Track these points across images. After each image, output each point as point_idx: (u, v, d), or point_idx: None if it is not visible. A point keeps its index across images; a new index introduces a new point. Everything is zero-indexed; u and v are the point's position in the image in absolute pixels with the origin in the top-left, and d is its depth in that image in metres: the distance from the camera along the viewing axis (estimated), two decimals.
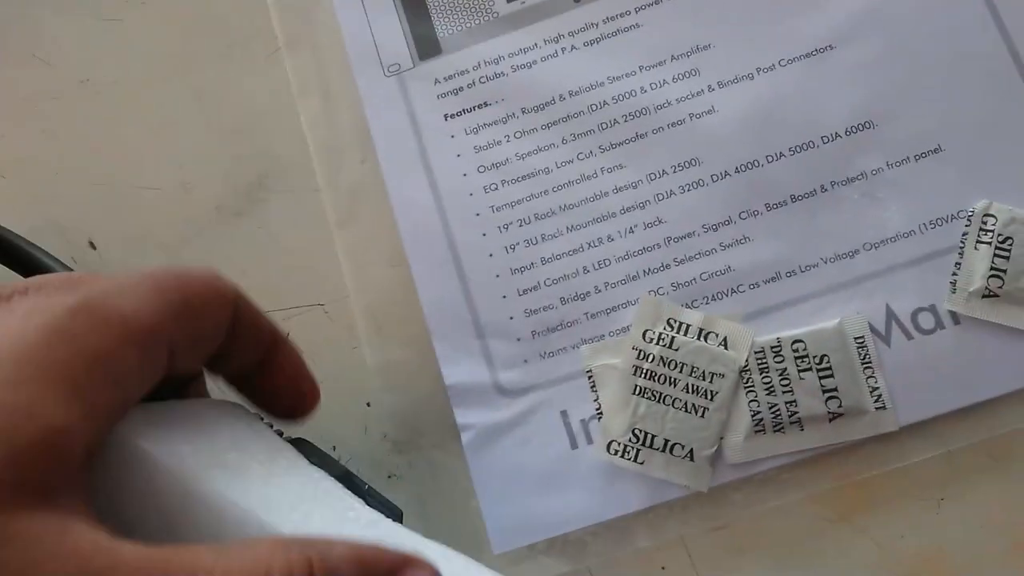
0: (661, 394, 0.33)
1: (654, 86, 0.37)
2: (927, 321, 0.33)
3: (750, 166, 0.35)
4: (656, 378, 0.33)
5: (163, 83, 0.40)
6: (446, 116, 0.37)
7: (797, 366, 0.33)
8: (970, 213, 0.34)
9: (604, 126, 0.37)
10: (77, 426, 0.20)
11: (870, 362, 0.33)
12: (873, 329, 0.33)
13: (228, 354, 0.26)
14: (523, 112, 0.37)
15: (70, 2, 0.41)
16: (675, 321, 0.34)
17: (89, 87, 0.40)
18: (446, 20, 0.38)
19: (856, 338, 0.33)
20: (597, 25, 0.38)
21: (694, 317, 0.34)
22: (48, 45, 0.41)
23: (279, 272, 0.38)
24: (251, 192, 0.38)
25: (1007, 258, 0.33)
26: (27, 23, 0.41)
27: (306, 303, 0.37)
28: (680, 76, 0.37)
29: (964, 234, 0.34)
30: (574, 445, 0.34)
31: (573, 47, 0.38)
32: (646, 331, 0.34)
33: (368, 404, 0.36)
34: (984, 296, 0.33)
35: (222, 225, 0.38)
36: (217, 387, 0.29)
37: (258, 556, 0.19)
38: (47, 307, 0.21)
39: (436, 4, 0.39)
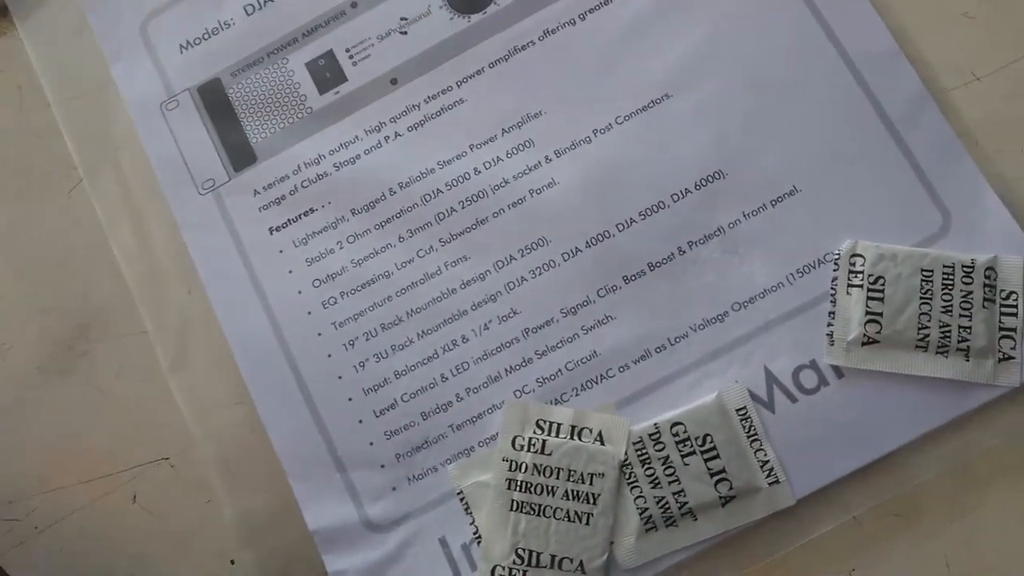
0: (540, 506, 0.30)
1: (488, 165, 0.34)
2: (809, 379, 0.31)
3: (601, 238, 0.33)
4: (532, 489, 0.31)
5: None
6: (271, 229, 0.34)
7: (680, 451, 0.30)
8: (836, 255, 0.32)
9: (441, 216, 0.34)
10: None
11: (756, 434, 0.31)
12: (754, 397, 0.31)
13: None
14: (353, 213, 0.34)
15: None
16: (544, 422, 0.31)
17: None
18: (257, 123, 0.35)
19: (738, 410, 0.31)
20: (419, 106, 0.35)
21: (564, 414, 0.31)
22: None
23: (116, 429, 0.34)
24: (73, 345, 0.35)
25: (881, 299, 0.31)
26: None
27: (149, 459, 0.34)
28: (514, 150, 0.34)
29: (834, 279, 0.31)
30: (457, 574, 0.31)
31: (397, 134, 0.35)
32: (515, 438, 0.31)
33: (232, 562, 0.33)
34: (864, 344, 0.31)
35: (46, 386, 0.34)
36: None
37: None
38: None
39: (244, 107, 0.35)
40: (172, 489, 0.33)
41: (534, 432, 0.31)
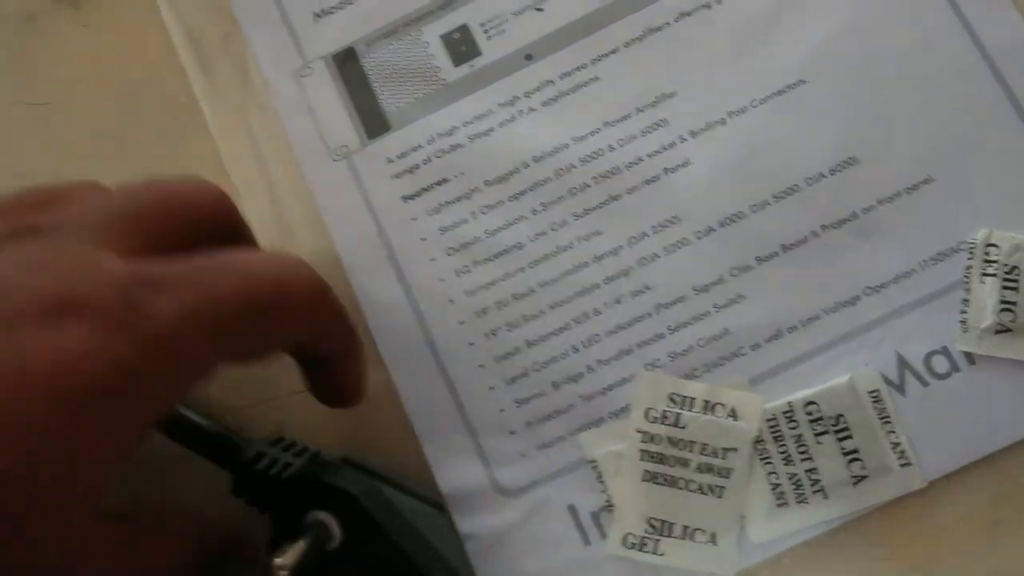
0: (673, 477, 0.31)
1: (622, 142, 0.34)
2: (941, 365, 0.31)
3: (735, 218, 0.33)
4: (666, 461, 0.31)
5: (102, 170, 0.37)
6: (404, 197, 0.35)
7: (813, 430, 0.31)
8: (971, 244, 0.32)
9: (575, 191, 0.34)
10: None
11: (888, 417, 0.31)
12: (886, 380, 0.32)
13: None
14: (487, 184, 0.35)
15: None
16: (678, 396, 0.32)
17: (25, 182, 0.37)
18: (392, 93, 0.36)
19: (870, 392, 0.31)
20: (554, 82, 0.35)
21: (698, 389, 0.32)
22: None
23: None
24: None
25: (1016, 289, 0.31)
26: None
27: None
28: (648, 129, 0.34)
29: (968, 267, 0.32)
30: (587, 542, 0.32)
31: (531, 108, 0.35)
32: (648, 410, 0.32)
33: None
34: (997, 332, 0.31)
35: None
36: None
37: None
38: None
39: (378, 77, 0.36)
40: None
41: (668, 405, 0.32)
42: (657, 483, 0.31)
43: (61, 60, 0.38)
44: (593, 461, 0.32)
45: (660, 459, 0.31)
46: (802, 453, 0.31)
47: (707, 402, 0.32)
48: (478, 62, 0.36)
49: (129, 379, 0.21)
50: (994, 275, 0.32)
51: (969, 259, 0.32)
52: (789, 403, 0.31)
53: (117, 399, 0.21)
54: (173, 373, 0.23)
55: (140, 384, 0.22)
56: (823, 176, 0.33)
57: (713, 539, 0.31)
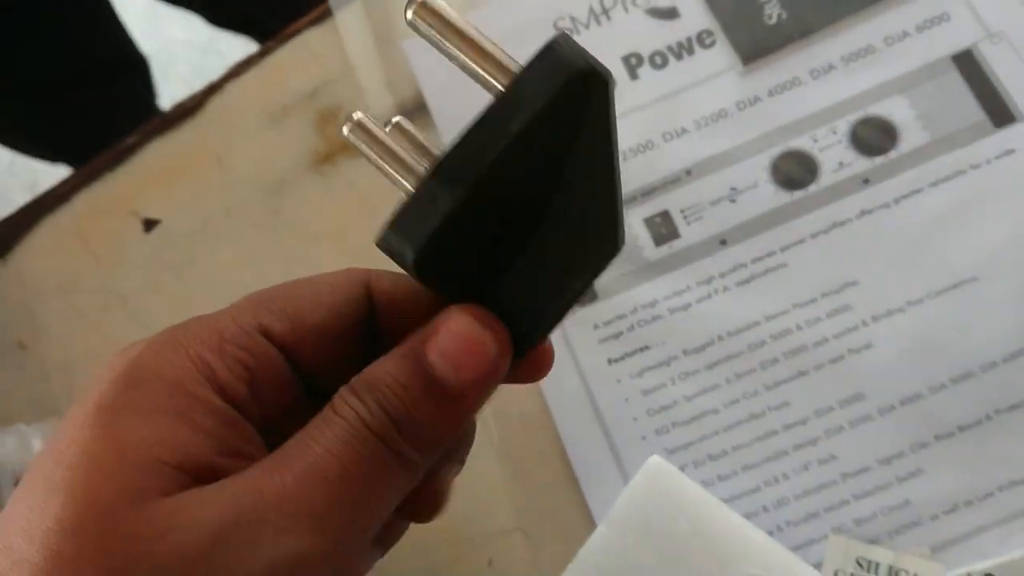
0: None
1: (809, 323, 0.39)
2: None
3: (915, 398, 0.37)
4: None
5: None
6: (609, 360, 0.39)
7: None
8: None
9: (765, 364, 0.38)
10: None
11: None
12: None
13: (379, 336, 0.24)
14: (684, 353, 0.39)
15: None
16: (865, 560, 0.35)
17: None
18: None
19: None
20: (746, 265, 0.40)
21: (884, 555, 0.35)
22: None
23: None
24: None
25: None
26: None
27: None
28: (833, 312, 0.39)
29: None
30: None
31: (725, 288, 0.40)
32: (837, 572, 0.35)
33: None
34: None
35: None
36: None
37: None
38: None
39: None
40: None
41: (856, 568, 0.35)
42: None
43: (307, 220, 0.45)
44: None
45: None
46: None
47: (892, 567, 0.35)
48: (677, 244, 0.41)
49: None
50: None
51: None
52: (969, 573, 0.34)
53: None
54: None
55: None
56: (995, 364, 0.37)
57: None
